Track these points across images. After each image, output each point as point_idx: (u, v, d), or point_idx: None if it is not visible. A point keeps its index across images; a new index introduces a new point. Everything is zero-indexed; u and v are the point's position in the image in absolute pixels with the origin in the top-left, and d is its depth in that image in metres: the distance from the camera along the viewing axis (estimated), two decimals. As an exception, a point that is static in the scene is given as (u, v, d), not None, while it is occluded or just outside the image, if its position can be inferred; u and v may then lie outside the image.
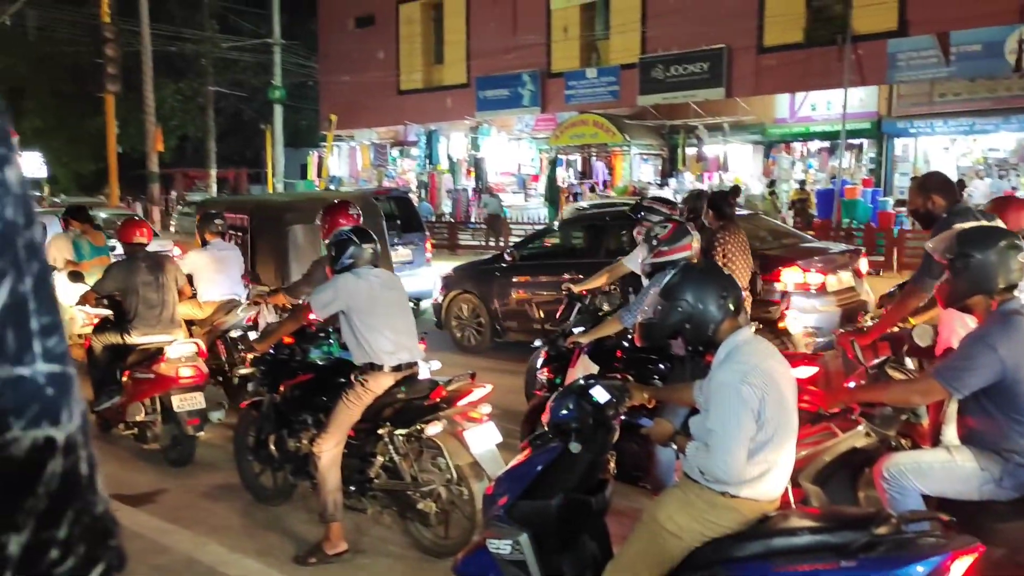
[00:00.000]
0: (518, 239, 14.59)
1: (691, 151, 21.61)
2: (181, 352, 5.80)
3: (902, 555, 2.39)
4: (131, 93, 23.54)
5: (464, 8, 24.72)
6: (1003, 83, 17.10)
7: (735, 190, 7.84)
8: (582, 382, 3.26)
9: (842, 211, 17.92)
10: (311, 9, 30.08)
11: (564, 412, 3.12)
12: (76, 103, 32.68)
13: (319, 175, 26.26)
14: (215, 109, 31.31)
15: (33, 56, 32.54)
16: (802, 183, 19.52)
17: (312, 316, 4.50)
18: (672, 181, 21.36)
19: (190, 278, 6.81)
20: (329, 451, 4.31)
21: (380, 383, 4.36)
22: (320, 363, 4.90)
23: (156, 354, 5.83)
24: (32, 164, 39.92)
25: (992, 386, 2.99)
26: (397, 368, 4.40)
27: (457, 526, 4.29)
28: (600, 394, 3.10)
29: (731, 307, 2.82)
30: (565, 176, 23.16)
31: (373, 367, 4.36)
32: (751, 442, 2.62)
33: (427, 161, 25.42)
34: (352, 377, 4.42)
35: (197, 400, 5.77)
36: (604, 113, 21.74)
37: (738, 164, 21.83)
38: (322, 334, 4.93)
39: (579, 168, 23.83)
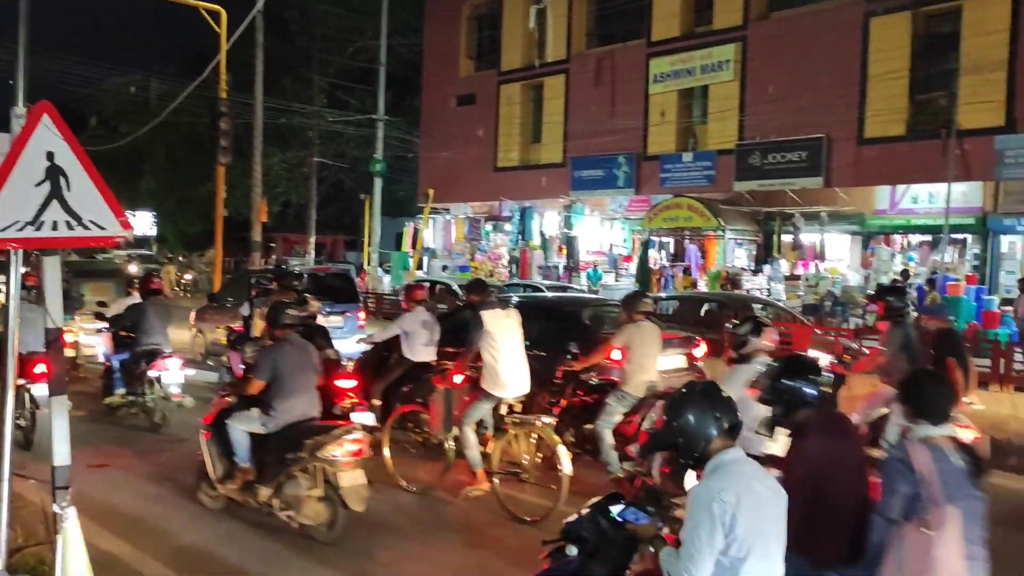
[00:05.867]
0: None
1: (787, 238, 21.49)
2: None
3: None
4: (240, 160, 24.88)
5: (563, 90, 25.46)
6: (1119, 184, 16.59)
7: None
8: (608, 495, 3.45)
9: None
10: (415, 87, 31.44)
11: (576, 519, 3.36)
12: (188, 167, 34.69)
13: (413, 246, 27.06)
14: (317, 178, 32.81)
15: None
16: (904, 274, 19.08)
17: None
18: (767, 268, 21.24)
19: None
20: None
21: None
22: None
23: None
24: (144, 223, 42.46)
25: None
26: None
27: None
28: (623, 510, 3.26)
29: (724, 427, 2.93)
30: (657, 258, 23.27)
31: None
32: (724, 557, 2.76)
33: (520, 237, 25.93)
34: None
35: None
36: (699, 197, 21.90)
37: (835, 254, 21.58)
38: None
39: (671, 251, 23.93)
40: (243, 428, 6.07)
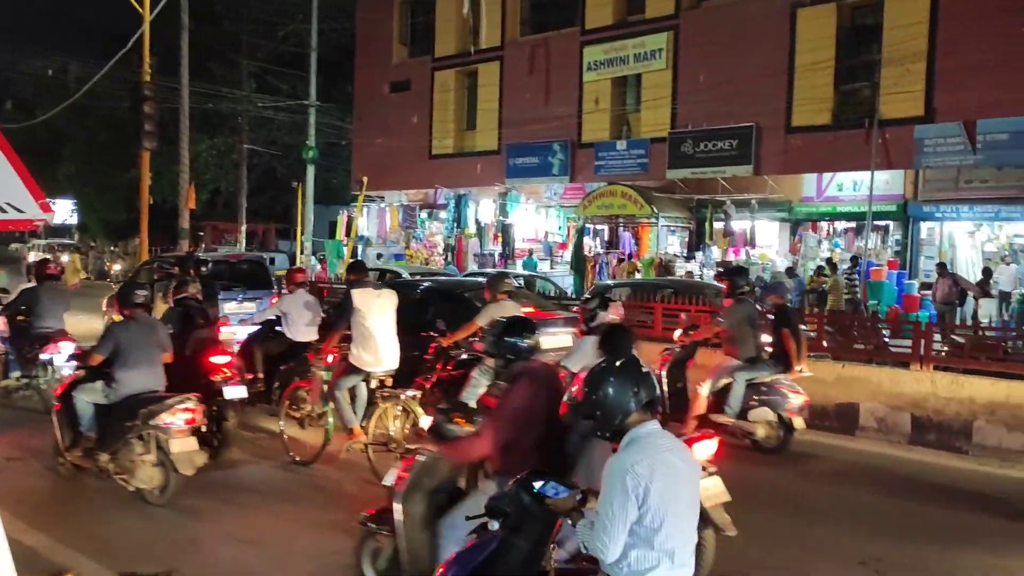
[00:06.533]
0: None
1: (719, 225, 21.89)
2: None
3: None
4: (167, 146, 24.17)
5: (498, 77, 25.40)
6: (1030, 172, 17.31)
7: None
8: (533, 472, 3.54)
9: (868, 292, 18.07)
10: (347, 72, 30.95)
11: (499, 494, 3.47)
12: (111, 153, 33.52)
13: (347, 234, 26.71)
14: (248, 165, 32.08)
15: (72, 105, 33.46)
16: (829, 261, 19.66)
17: None
18: (699, 254, 21.62)
19: None
20: None
21: None
22: None
23: None
24: (63, 210, 40.88)
25: None
26: None
27: None
28: (544, 485, 3.35)
29: (643, 402, 3.05)
30: (592, 245, 23.46)
31: None
32: (639, 527, 2.85)
33: (455, 225, 25.82)
34: None
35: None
36: (633, 185, 22.13)
37: (765, 240, 22.10)
38: None
39: (606, 238, 24.15)
40: (87, 399, 6.55)
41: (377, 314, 7.19)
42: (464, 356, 8.10)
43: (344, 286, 9.33)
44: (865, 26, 18.98)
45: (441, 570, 3.49)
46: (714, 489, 4.86)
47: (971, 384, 8.97)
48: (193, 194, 22.47)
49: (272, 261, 24.16)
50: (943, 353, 9.72)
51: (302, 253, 26.32)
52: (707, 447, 5.05)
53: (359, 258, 25.82)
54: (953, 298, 16.14)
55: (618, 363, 3.15)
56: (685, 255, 22.29)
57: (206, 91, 28.09)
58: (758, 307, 8.70)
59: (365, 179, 24.79)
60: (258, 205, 36.20)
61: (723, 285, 8.91)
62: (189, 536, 5.81)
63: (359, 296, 7.18)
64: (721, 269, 11.04)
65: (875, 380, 9.53)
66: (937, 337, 10.02)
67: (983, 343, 9.91)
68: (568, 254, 23.76)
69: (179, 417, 6.21)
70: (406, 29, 28.51)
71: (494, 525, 3.34)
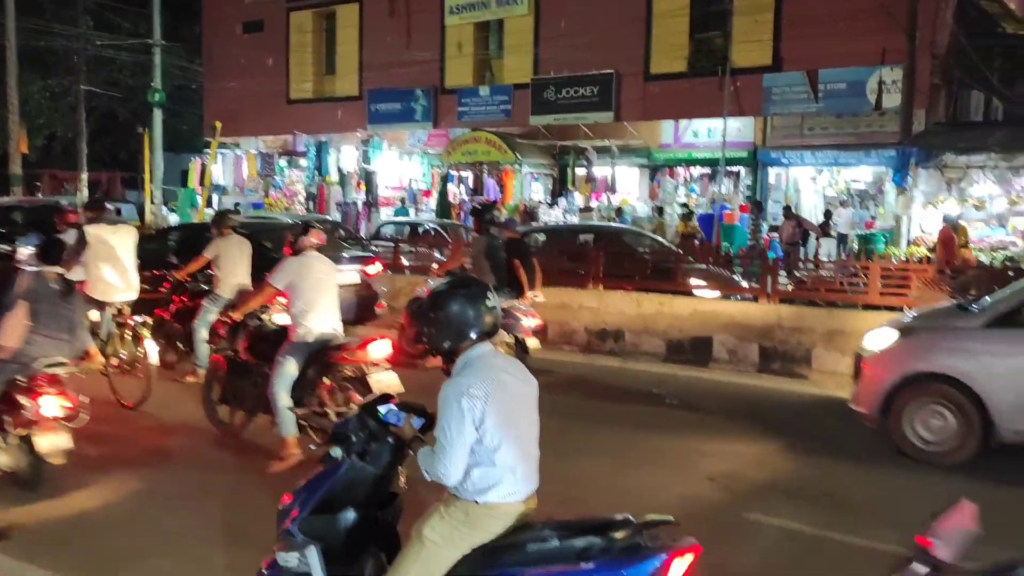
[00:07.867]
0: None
1: (581, 172, 22.26)
2: None
3: (631, 557, 2.74)
4: (-7, 87, 22.22)
5: (357, 19, 24.57)
6: (864, 120, 18.48)
7: None
8: (378, 397, 3.52)
9: (721, 235, 18.92)
10: (195, 11, 29.11)
11: (345, 420, 3.42)
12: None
13: (201, 183, 25.41)
14: (87, 108, 29.77)
15: None
16: (688, 208, 20.33)
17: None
18: (562, 200, 21.93)
19: None
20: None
21: None
22: None
23: None
24: None
25: None
26: None
27: None
28: (387, 412, 3.32)
29: (481, 328, 2.98)
30: (457, 192, 23.36)
31: None
32: (479, 447, 2.86)
33: (316, 172, 25.04)
34: None
35: None
36: (496, 131, 22.09)
37: (625, 186, 22.65)
38: None
39: (471, 185, 24.09)
40: None
41: (111, 249, 7.98)
42: (204, 287, 8.81)
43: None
44: (718, -25, 19.49)
45: (288, 499, 3.38)
46: (388, 381, 5.85)
47: (811, 315, 9.60)
48: (24, 138, 20.78)
49: (119, 212, 22.70)
50: (789, 288, 10.34)
51: (152, 203, 24.84)
52: (382, 347, 5.95)
53: (220, 208, 24.71)
54: (797, 238, 17.14)
55: (464, 291, 3.04)
56: (548, 201, 22.56)
57: (36, 27, 25.79)
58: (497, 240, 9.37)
59: (219, 125, 23.53)
60: (100, 151, 33.72)
61: (473, 222, 9.91)
62: None
63: (94, 231, 7.95)
64: (476, 206, 12.03)
65: (728, 314, 10.04)
66: (783, 274, 10.66)
67: (822, 279, 10.62)
68: (433, 201, 23.58)
69: None
70: (258, -35, 27.02)
71: (336, 451, 3.26)
